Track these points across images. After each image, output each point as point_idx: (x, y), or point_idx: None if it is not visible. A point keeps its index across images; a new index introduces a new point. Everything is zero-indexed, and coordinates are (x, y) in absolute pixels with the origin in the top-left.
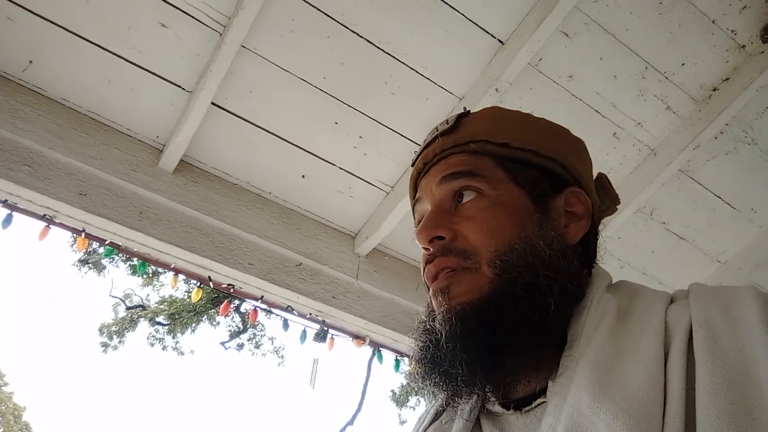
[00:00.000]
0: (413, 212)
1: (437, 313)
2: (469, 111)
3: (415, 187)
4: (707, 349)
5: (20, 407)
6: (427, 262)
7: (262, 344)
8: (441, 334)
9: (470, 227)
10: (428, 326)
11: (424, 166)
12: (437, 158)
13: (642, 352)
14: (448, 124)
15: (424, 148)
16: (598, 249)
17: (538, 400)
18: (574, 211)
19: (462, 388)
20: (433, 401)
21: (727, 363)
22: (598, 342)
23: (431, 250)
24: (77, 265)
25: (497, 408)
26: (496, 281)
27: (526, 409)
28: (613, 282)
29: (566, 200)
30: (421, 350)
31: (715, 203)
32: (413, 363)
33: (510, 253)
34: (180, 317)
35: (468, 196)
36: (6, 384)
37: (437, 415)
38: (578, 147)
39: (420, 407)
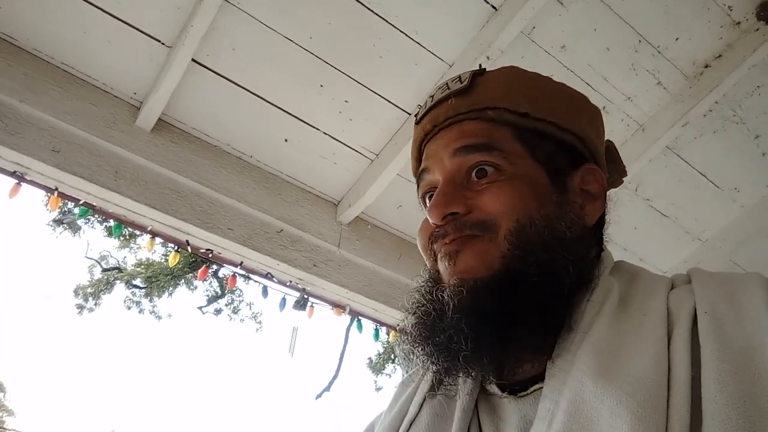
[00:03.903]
0: (418, 179)
1: (446, 283)
2: (485, 69)
3: (419, 149)
4: (713, 336)
5: None
6: (438, 236)
7: (240, 310)
8: (448, 305)
9: (486, 199)
10: (434, 296)
11: (433, 128)
12: (449, 121)
13: (645, 337)
14: (461, 82)
15: (433, 107)
16: (605, 229)
17: (535, 386)
18: (589, 190)
19: (459, 365)
20: (420, 375)
21: (733, 351)
22: (599, 326)
23: (442, 225)
24: (51, 225)
25: (494, 389)
26: (508, 256)
27: (522, 394)
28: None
29: (582, 178)
30: (422, 314)
31: (700, 181)
32: (407, 321)
33: (530, 227)
34: (157, 280)
35: (484, 172)
36: None
37: (430, 393)
38: (596, 118)
39: (396, 374)
